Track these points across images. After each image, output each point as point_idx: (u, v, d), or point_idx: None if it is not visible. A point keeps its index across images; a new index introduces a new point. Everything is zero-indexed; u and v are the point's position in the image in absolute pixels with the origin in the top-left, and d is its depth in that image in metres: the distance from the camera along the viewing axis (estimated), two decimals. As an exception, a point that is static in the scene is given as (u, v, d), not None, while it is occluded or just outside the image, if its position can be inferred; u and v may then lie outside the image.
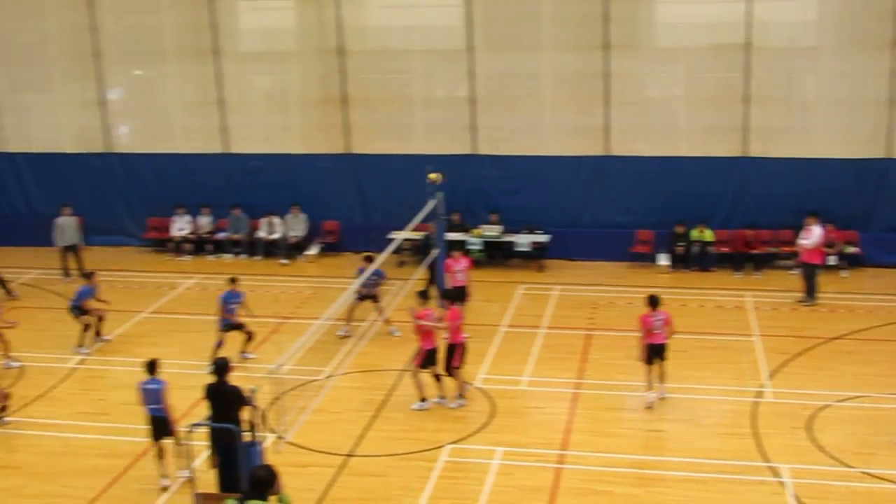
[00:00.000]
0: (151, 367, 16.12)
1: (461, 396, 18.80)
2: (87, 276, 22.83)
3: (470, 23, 27.70)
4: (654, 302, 18.52)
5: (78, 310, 22.11)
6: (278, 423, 16.83)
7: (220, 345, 20.61)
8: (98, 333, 22.51)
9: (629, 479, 16.07)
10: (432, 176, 22.59)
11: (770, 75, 26.69)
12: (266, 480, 10.47)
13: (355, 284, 20.78)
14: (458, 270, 22.45)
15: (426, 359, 18.51)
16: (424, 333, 18.40)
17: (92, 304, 22.20)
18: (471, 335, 21.68)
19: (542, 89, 27.81)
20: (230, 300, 21.09)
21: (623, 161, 27.56)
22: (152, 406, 16.08)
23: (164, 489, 15.89)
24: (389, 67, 29.23)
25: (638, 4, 27.38)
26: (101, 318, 22.49)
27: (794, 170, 26.66)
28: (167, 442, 16.16)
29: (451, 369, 18.66)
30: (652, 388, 18.67)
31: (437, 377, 18.71)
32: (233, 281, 21.38)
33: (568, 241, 27.84)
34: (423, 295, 19.02)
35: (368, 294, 22.15)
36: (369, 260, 21.96)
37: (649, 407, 18.54)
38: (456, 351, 18.63)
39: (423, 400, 18.59)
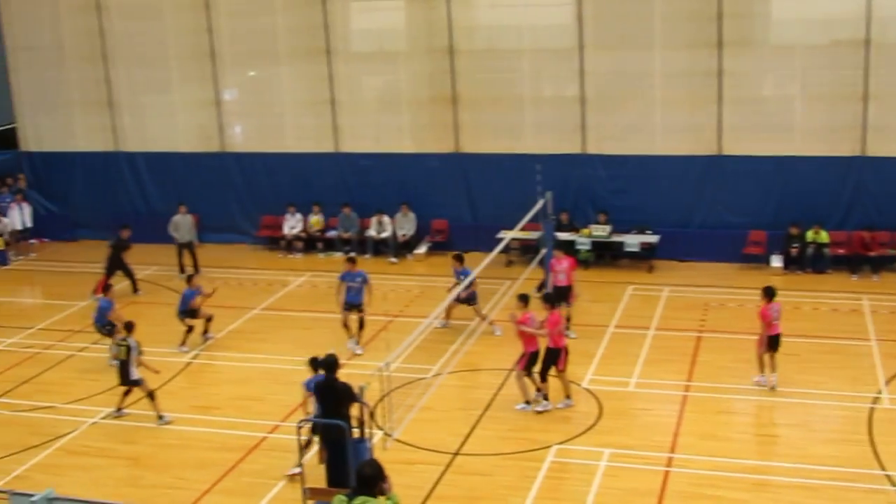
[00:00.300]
0: (320, 364, 16.02)
1: (567, 397, 18.72)
2: (189, 279, 23.22)
3: (581, 21, 27.54)
4: (770, 293, 18.85)
5: (185, 314, 22.54)
6: (386, 421, 16.98)
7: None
8: (205, 332, 22.93)
9: (739, 484, 15.85)
10: None
11: (889, 72, 25.97)
12: (373, 477, 10.56)
13: (459, 289, 20.95)
14: (560, 271, 22.26)
15: (530, 361, 18.46)
16: (527, 336, 18.35)
17: (197, 302, 22.60)
18: (577, 335, 21.68)
19: (652, 88, 27.50)
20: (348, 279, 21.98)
21: (736, 160, 27.12)
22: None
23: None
24: (499, 66, 29.22)
25: (752, 1, 26.92)
26: (209, 319, 22.88)
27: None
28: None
29: (543, 374, 18.49)
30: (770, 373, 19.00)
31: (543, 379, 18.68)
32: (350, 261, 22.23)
33: (678, 241, 27.51)
34: (524, 298, 18.86)
35: (467, 298, 22.15)
36: (459, 259, 22.06)
37: (773, 388, 18.82)
38: (559, 356, 18.45)
39: (527, 402, 18.55)
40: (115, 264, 26.23)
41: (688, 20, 26.87)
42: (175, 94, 31.49)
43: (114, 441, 18.16)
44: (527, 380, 18.54)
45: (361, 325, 21.90)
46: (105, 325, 21.85)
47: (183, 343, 22.40)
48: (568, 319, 21.85)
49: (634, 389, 19.59)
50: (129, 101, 31.78)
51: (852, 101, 26.09)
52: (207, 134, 31.10)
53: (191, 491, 16.23)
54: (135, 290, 26.55)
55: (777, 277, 25.77)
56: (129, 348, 18.60)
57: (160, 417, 18.63)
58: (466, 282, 21.04)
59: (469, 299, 22.31)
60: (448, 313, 22.49)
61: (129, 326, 19.12)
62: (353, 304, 21.86)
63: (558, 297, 20.31)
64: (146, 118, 31.94)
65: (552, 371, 18.49)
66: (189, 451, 17.65)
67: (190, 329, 22.47)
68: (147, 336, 23.09)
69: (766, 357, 19.07)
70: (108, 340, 21.30)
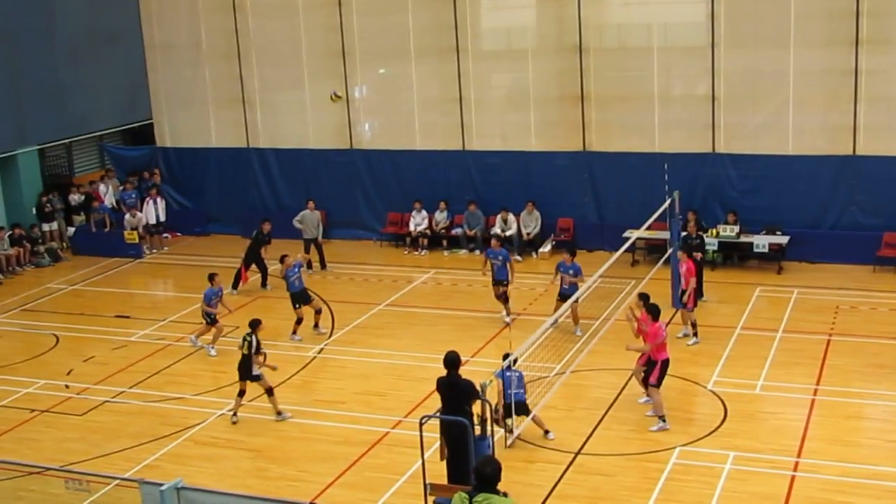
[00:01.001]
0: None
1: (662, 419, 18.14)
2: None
3: (713, 18, 27.14)
4: None
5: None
6: (509, 419, 17.00)
7: None
8: (316, 325, 23.28)
9: (869, 491, 15.47)
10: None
11: None
12: (493, 475, 10.58)
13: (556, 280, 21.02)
14: (680, 274, 21.91)
15: (661, 372, 17.90)
16: (658, 345, 17.92)
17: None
18: (701, 339, 21.42)
19: (786, 87, 26.94)
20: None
21: (871, 161, 26.42)
22: (515, 391, 16.83)
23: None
24: (628, 65, 28.98)
25: (892, -2, 26.23)
26: (318, 311, 23.20)
27: None
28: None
29: (646, 384, 18.12)
30: None
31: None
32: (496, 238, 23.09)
33: (809, 242, 26.94)
34: (644, 297, 18.55)
35: (567, 293, 21.94)
36: (572, 254, 21.98)
37: None
38: (655, 368, 17.82)
39: (662, 419, 17.94)
40: (252, 257, 26.76)
41: (824, 18, 26.27)
42: (306, 91, 31.98)
43: (240, 433, 18.55)
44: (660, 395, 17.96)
45: (506, 298, 23.10)
46: (211, 314, 22.52)
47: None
48: (693, 325, 21.55)
49: (761, 392, 19.25)
50: (261, 99, 32.41)
51: None
52: (335, 131, 31.50)
53: (314, 484, 16.48)
54: (263, 284, 27.03)
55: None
56: (251, 344, 18.85)
57: (278, 413, 18.94)
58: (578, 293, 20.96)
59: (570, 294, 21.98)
60: (573, 317, 22.35)
61: (255, 324, 19.25)
62: (498, 280, 23.19)
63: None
64: (278, 115, 32.52)
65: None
66: (313, 444, 17.93)
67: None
68: (274, 330, 23.64)
69: None
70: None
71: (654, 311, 18.09)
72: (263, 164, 32.55)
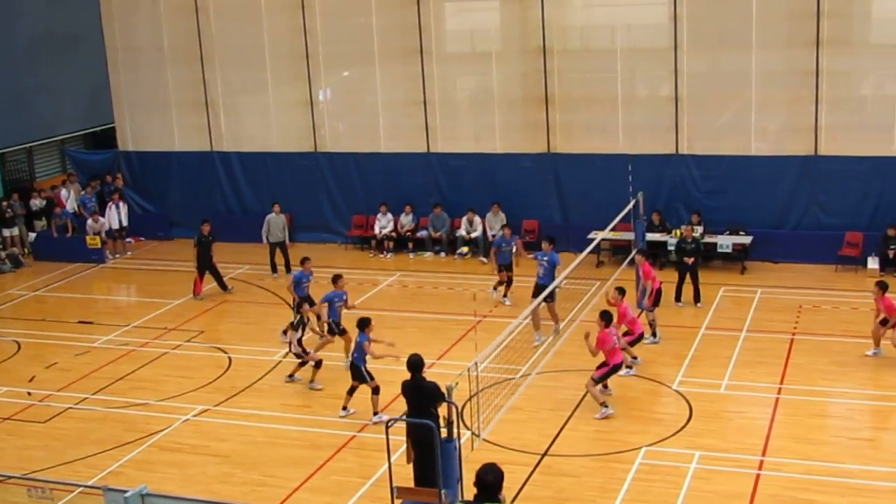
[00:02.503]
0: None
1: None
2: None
3: (676, 20, 27.26)
4: (884, 286, 20.09)
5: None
6: (474, 421, 16.98)
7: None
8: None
9: (833, 488, 15.59)
10: None
11: None
12: (494, 483, 10.53)
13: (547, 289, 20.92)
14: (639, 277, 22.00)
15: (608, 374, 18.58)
16: (610, 350, 18.30)
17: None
18: (662, 339, 21.51)
19: (749, 88, 27.12)
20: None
21: (833, 161, 26.63)
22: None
23: None
24: (592, 67, 29.08)
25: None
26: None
27: None
28: None
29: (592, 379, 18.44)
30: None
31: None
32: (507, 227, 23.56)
33: (772, 242, 27.15)
34: (622, 291, 18.95)
35: (542, 283, 21.95)
36: (551, 242, 22.03)
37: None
38: (605, 367, 18.41)
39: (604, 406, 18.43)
40: (204, 263, 26.55)
41: (786, 19, 26.49)
42: (270, 94, 31.86)
43: (206, 438, 18.43)
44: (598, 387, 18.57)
45: (509, 282, 24.55)
46: (338, 322, 21.41)
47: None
48: (652, 325, 21.65)
49: (726, 392, 19.36)
50: (225, 102, 32.26)
51: (954, 101, 25.52)
52: (299, 134, 31.42)
53: (281, 489, 16.41)
54: (224, 287, 26.85)
55: (873, 279, 25.06)
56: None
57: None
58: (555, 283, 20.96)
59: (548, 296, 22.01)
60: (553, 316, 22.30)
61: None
62: (502, 265, 24.61)
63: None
64: (241, 118, 32.37)
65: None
66: (279, 448, 17.85)
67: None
68: (238, 334, 23.58)
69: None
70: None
71: (605, 318, 18.44)
72: (227, 167, 32.39)
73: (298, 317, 20.61)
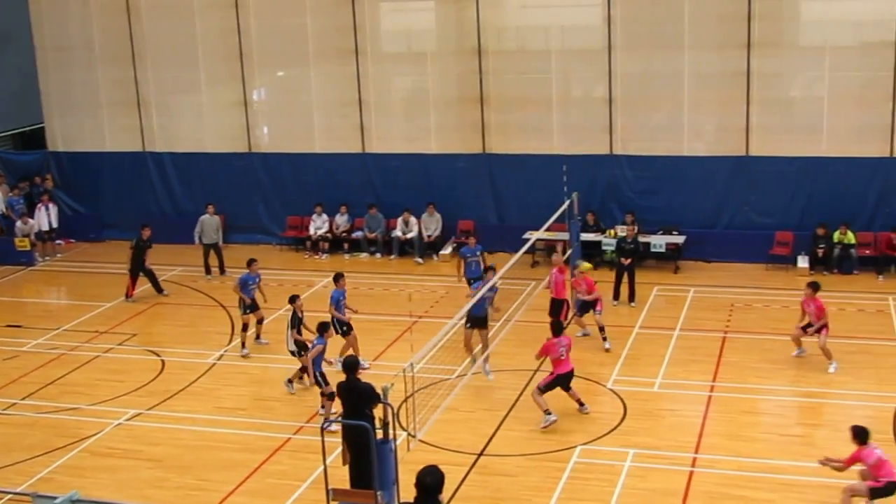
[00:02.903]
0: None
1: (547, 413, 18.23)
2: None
3: (609, 22, 27.46)
4: (816, 287, 20.17)
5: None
6: (410, 422, 16.95)
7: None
8: (258, 336, 22.68)
9: (765, 484, 15.81)
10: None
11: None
12: (434, 486, 10.50)
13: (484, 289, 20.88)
14: (558, 282, 21.86)
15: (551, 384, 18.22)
16: (556, 360, 18.17)
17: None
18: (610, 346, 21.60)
19: (681, 89, 27.41)
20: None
21: (763, 161, 27.02)
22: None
23: None
24: (527, 67, 29.19)
25: (782, 2, 26.76)
26: (260, 321, 22.68)
27: (943, 170, 25.83)
28: None
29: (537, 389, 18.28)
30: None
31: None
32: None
33: (704, 242, 27.46)
34: (555, 327, 18.52)
35: (475, 275, 21.96)
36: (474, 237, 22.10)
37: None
38: (549, 376, 18.21)
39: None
40: (138, 266, 26.27)
41: (717, 21, 26.80)
42: (203, 94, 31.58)
43: (138, 443, 18.21)
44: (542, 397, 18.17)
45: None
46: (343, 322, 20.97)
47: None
48: (602, 329, 21.68)
49: (659, 390, 19.54)
50: (157, 102, 31.91)
51: (880, 103, 25.98)
52: (233, 134, 31.21)
53: (215, 492, 16.27)
54: (158, 290, 26.58)
55: (803, 278, 25.53)
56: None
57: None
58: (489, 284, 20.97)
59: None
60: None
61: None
62: (471, 279, 23.08)
63: (555, 311, 21.10)
64: (174, 118, 32.07)
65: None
66: (213, 452, 17.69)
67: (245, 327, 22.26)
68: (172, 337, 23.35)
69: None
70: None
71: (554, 328, 18.38)
72: (160, 168, 32.05)
73: (292, 313, 20.13)
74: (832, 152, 26.52)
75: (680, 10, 26.91)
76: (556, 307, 21.68)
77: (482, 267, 22.54)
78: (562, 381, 18.10)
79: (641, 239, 26.62)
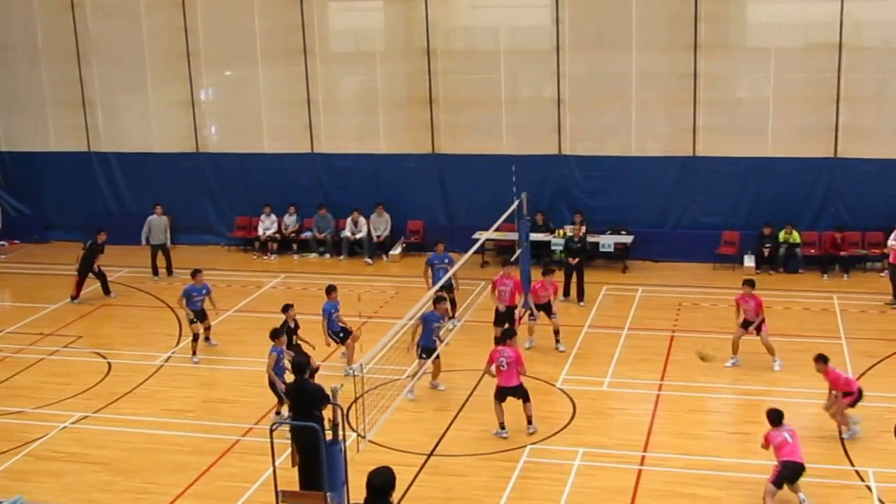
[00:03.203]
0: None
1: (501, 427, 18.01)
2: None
3: (558, 23, 27.57)
4: (752, 284, 20.44)
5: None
6: (360, 423, 16.90)
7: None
8: (207, 339, 22.36)
9: (712, 482, 15.92)
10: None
11: (861, 76, 26.24)
12: (384, 486, 10.46)
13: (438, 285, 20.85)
14: (504, 290, 21.43)
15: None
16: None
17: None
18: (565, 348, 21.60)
19: (629, 89, 27.57)
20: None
21: (710, 161, 27.27)
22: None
23: None
24: (476, 68, 29.27)
25: (728, 4, 27.02)
26: (208, 328, 22.38)
27: (886, 171, 26.16)
28: None
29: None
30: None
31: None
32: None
33: (652, 241, 27.66)
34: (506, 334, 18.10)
35: (446, 283, 21.81)
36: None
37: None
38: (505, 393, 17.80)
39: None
40: (87, 267, 25.98)
41: (664, 23, 27.00)
42: (149, 93, 31.29)
43: (85, 446, 17.98)
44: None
45: (452, 303, 22.29)
46: (338, 331, 20.80)
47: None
48: (556, 332, 21.58)
49: (608, 389, 19.64)
50: (102, 101, 31.58)
51: (825, 104, 26.31)
52: (180, 134, 30.97)
53: (163, 495, 16.10)
54: (107, 292, 26.32)
55: (749, 277, 25.78)
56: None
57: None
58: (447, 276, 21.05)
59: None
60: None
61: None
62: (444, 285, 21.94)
63: (503, 319, 20.80)
64: (120, 118, 31.77)
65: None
66: (161, 454, 17.52)
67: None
68: (119, 338, 23.12)
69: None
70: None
71: (502, 335, 18.09)
72: (106, 168, 31.73)
73: (283, 322, 19.55)
74: (778, 153, 26.84)
75: (628, 11, 27.07)
76: (505, 316, 21.23)
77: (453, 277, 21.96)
78: (501, 393, 17.49)
79: (590, 239, 26.75)
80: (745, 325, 20.31)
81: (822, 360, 17.37)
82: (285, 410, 17.61)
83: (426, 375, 19.63)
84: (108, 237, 26.74)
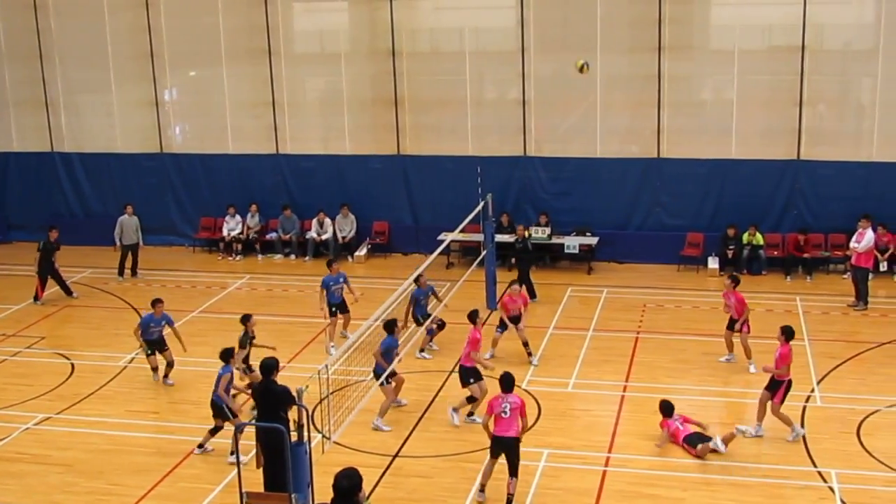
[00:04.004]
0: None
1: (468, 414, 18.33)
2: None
3: (522, 24, 27.65)
4: (737, 280, 20.61)
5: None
6: (325, 424, 16.88)
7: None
8: (166, 376, 20.87)
9: (676, 483, 15.99)
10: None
11: (824, 78, 26.47)
12: (350, 488, 10.43)
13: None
14: (514, 306, 21.22)
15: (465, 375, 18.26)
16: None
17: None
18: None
19: (594, 91, 27.67)
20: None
21: (674, 163, 27.43)
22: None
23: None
24: (441, 69, 29.29)
25: (692, 7, 27.18)
26: (170, 364, 20.84)
27: (848, 173, 26.42)
28: None
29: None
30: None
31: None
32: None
33: (617, 243, 27.79)
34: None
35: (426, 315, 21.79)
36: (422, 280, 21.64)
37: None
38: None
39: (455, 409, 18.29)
40: (46, 268, 25.75)
41: (629, 25, 27.13)
42: (113, 94, 31.10)
43: (47, 447, 17.84)
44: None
45: (441, 325, 21.72)
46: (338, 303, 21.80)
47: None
48: (525, 344, 21.38)
49: (573, 390, 19.70)
50: (65, 101, 31.37)
51: (788, 106, 26.51)
52: (144, 135, 30.82)
53: (127, 497, 16.01)
54: (68, 292, 26.11)
55: (713, 279, 26.09)
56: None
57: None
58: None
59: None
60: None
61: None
62: (423, 317, 21.70)
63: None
64: (83, 118, 31.56)
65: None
66: (125, 456, 17.42)
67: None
68: (82, 339, 22.96)
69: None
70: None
71: (503, 382, 16.54)
72: (69, 168, 31.51)
73: (243, 332, 19.12)
74: (741, 154, 27.04)
75: (592, 13, 27.17)
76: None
77: (428, 305, 21.96)
78: (496, 447, 15.44)
79: (555, 240, 26.86)
80: (731, 324, 20.36)
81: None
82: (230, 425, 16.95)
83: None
84: (72, 238, 26.63)
